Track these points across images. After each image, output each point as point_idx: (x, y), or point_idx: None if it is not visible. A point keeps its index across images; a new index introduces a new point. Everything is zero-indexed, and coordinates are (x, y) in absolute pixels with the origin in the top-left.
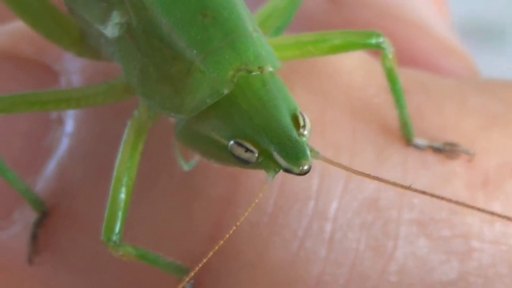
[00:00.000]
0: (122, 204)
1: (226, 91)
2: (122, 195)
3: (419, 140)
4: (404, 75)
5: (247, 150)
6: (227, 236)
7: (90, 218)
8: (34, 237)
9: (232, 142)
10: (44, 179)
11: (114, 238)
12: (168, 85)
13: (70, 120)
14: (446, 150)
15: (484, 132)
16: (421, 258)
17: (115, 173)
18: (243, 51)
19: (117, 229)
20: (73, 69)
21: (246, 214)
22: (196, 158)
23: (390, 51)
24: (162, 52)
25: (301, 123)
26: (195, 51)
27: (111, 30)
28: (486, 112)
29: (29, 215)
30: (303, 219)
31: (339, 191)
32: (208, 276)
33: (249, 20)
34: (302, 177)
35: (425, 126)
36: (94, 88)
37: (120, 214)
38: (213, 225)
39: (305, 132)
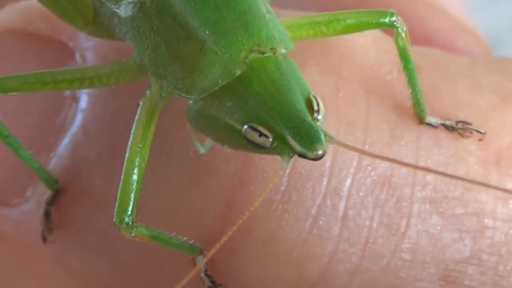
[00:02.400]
0: (134, 185)
1: (238, 72)
2: (135, 176)
3: (431, 119)
4: (418, 53)
5: (261, 134)
6: (237, 225)
7: (104, 196)
8: (48, 215)
9: (246, 126)
10: (58, 156)
11: (127, 219)
12: (180, 64)
13: (85, 96)
14: (459, 128)
15: (497, 110)
16: (434, 236)
17: (127, 154)
18: (256, 32)
19: (129, 210)
20: (87, 46)
21: (257, 203)
22: (210, 139)
23: (403, 30)
24: (175, 32)
25: (315, 107)
26: (207, 32)
27: (124, 9)
28: (498, 90)
29: (42, 193)
30: (316, 197)
31: (352, 169)
32: (221, 253)
33: (262, 1)
34: None
35: (438, 104)
36: (107, 67)
37: (132, 195)
38: (226, 203)
39: (319, 117)
